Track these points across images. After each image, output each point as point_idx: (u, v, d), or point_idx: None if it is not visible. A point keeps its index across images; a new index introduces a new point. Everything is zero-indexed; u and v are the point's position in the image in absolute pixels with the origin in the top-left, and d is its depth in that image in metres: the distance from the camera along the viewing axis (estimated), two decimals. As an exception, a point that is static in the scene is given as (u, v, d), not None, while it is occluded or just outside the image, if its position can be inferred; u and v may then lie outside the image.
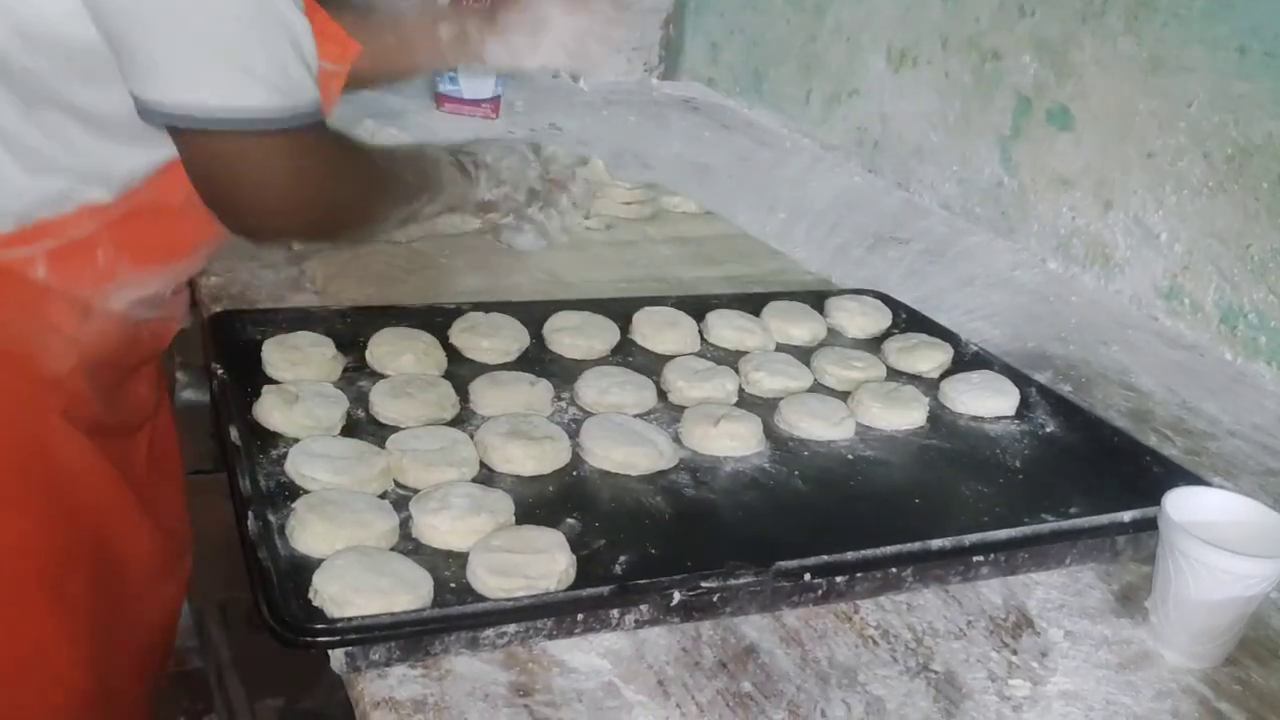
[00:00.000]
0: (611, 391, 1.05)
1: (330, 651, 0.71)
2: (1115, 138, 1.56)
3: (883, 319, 1.31)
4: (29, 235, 0.91)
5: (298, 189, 0.91)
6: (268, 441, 0.93)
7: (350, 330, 1.11)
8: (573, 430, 0.99)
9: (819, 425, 1.06)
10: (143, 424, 1.13)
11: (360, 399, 1.01)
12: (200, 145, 0.87)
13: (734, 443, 1.01)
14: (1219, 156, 1.41)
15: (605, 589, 0.78)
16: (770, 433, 1.05)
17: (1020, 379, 1.18)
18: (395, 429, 0.96)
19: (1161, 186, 1.49)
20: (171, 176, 0.91)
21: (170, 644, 1.27)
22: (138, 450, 1.12)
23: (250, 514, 0.80)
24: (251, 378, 1.01)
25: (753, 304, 1.29)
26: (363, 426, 0.98)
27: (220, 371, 1.00)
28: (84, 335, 0.97)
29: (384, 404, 0.99)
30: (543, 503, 0.90)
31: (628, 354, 1.18)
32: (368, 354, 1.07)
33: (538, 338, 1.16)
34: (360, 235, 1.13)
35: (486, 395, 1.03)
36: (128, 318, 1.01)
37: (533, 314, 1.18)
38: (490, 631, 0.74)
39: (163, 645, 1.25)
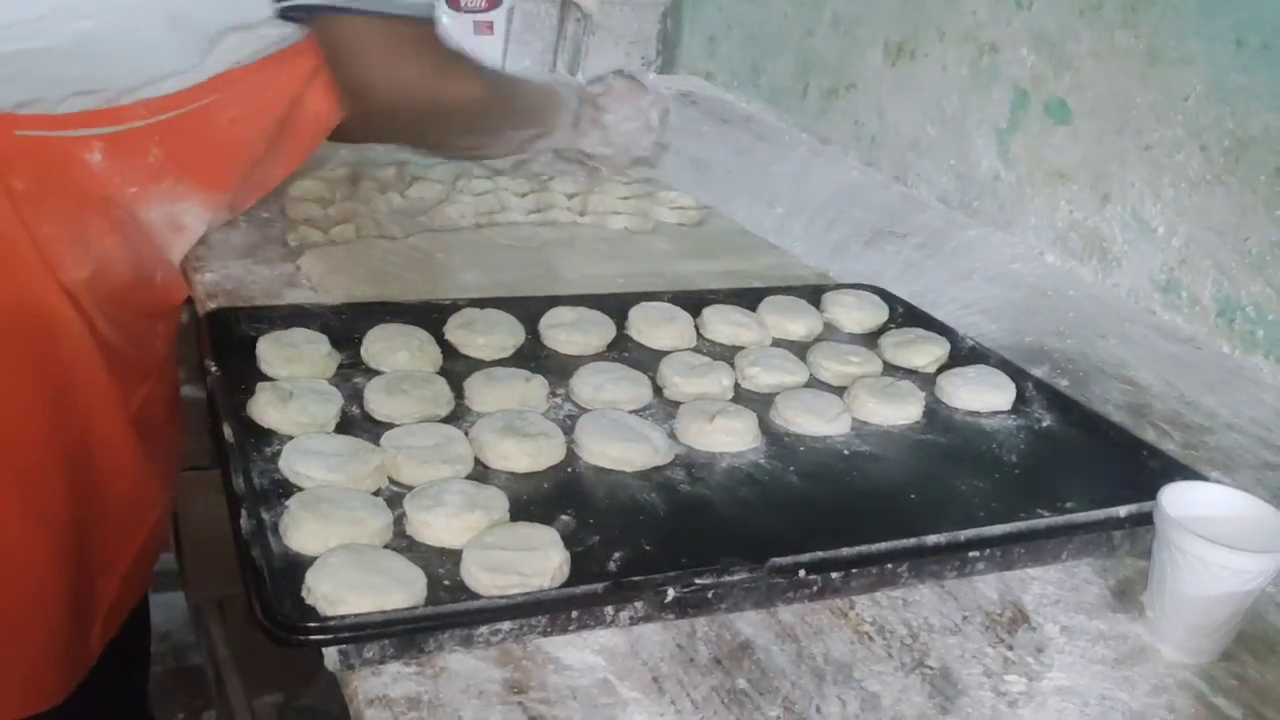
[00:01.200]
0: (607, 387, 1.05)
1: (324, 650, 0.71)
2: (1112, 131, 1.55)
3: (880, 314, 1.31)
4: (89, 119, 0.98)
5: (429, 76, 1.04)
6: (262, 438, 0.93)
7: (345, 327, 1.11)
8: (568, 426, 0.99)
9: (815, 421, 1.05)
10: (149, 375, 1.16)
11: (355, 396, 1.01)
12: (343, 27, 0.99)
13: (730, 438, 1.01)
14: (1216, 149, 1.41)
15: (600, 586, 0.78)
16: (766, 428, 1.05)
17: (1017, 373, 1.18)
18: (390, 426, 0.96)
19: (1159, 180, 1.49)
20: (225, 95, 1.03)
21: (149, 572, 1.28)
22: (137, 393, 1.14)
23: (243, 512, 0.80)
24: (246, 374, 1.01)
25: (749, 299, 1.29)
26: (357, 423, 0.97)
27: (214, 368, 1.00)
28: (105, 246, 1.03)
29: (379, 401, 0.98)
30: (537, 499, 0.90)
31: (623, 350, 1.17)
32: (363, 350, 1.07)
33: (533, 334, 1.16)
34: (467, 146, 1.18)
35: (481, 392, 1.02)
36: (156, 247, 1.07)
37: (528, 310, 1.18)
38: (484, 629, 0.74)
39: (145, 568, 1.25)
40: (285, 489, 0.86)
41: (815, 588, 0.83)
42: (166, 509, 1.26)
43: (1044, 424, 1.13)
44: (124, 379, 1.11)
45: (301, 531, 0.79)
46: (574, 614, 0.77)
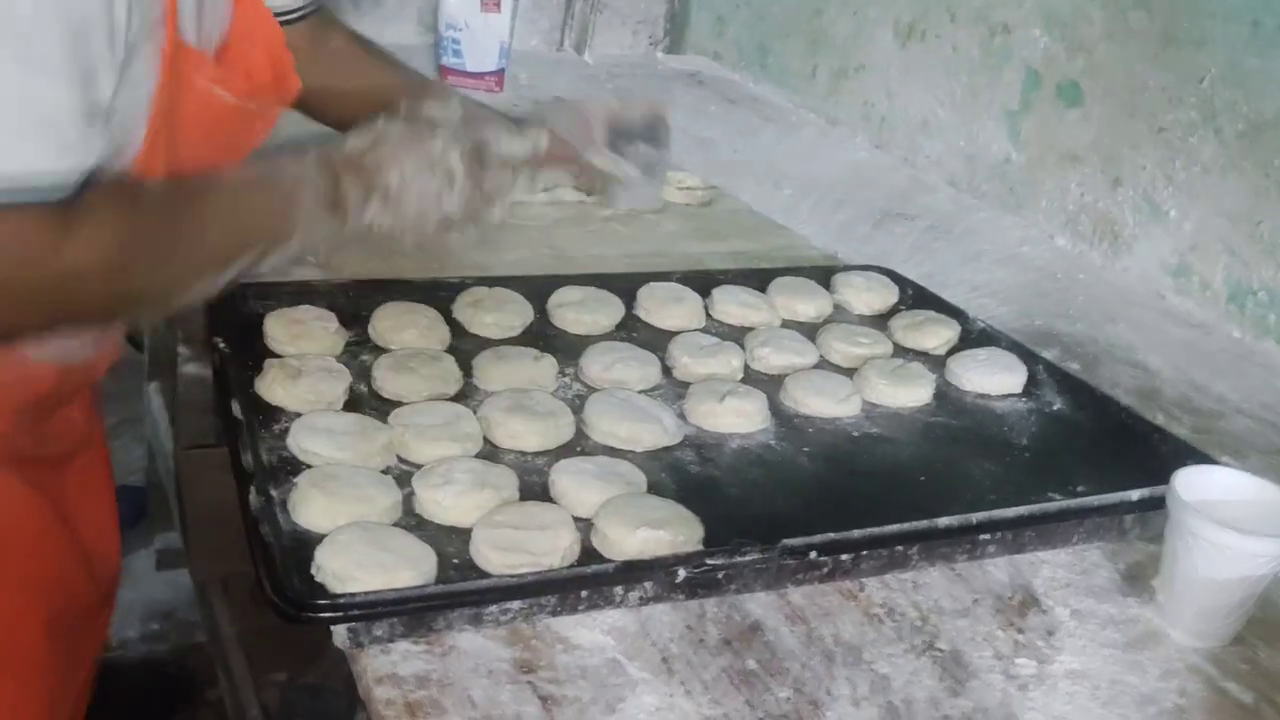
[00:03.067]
0: (616, 367, 1.05)
1: (333, 627, 0.71)
2: (1125, 113, 1.54)
3: (889, 295, 1.30)
4: None
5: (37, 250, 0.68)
6: (269, 416, 0.92)
7: (353, 304, 1.10)
8: (576, 406, 0.98)
9: (825, 402, 1.05)
10: (72, 455, 1.02)
11: (363, 373, 1.00)
12: None
13: (739, 419, 1.00)
14: (1230, 132, 1.40)
15: (610, 566, 0.78)
16: (776, 410, 1.04)
17: (1027, 356, 1.17)
18: (398, 404, 0.95)
19: (1171, 163, 1.48)
20: None
21: (89, 687, 1.13)
22: (67, 482, 1.01)
23: (252, 489, 0.80)
24: (253, 352, 1.00)
25: (758, 280, 1.28)
26: (365, 401, 0.97)
27: (222, 345, 0.99)
28: (6, 378, 0.85)
29: (387, 379, 0.98)
30: (546, 478, 0.89)
31: (632, 330, 1.17)
32: (370, 328, 1.07)
33: (542, 313, 1.16)
34: (119, 320, 0.85)
35: (490, 370, 1.02)
36: (57, 360, 0.88)
37: (537, 289, 1.17)
38: (494, 608, 0.74)
39: (87, 691, 1.12)
40: (293, 466, 0.86)
41: (825, 569, 0.83)
42: (114, 588, 1.13)
43: (1055, 407, 1.12)
44: (49, 489, 0.97)
45: (310, 508, 0.79)
46: (583, 594, 0.76)
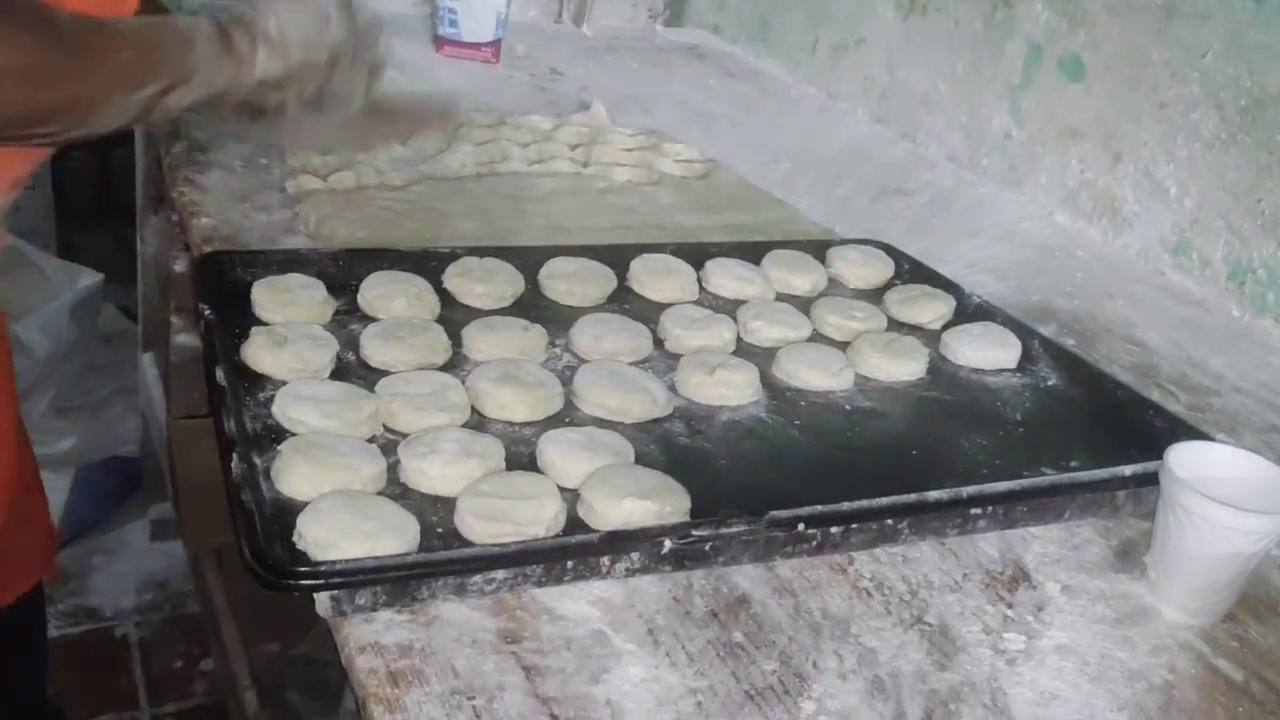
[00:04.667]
0: (606, 338, 1.04)
1: (316, 595, 0.70)
2: (1127, 88, 1.53)
3: (885, 270, 1.29)
4: None
5: None
6: (255, 384, 0.91)
7: (342, 273, 1.09)
8: (566, 377, 0.98)
9: (817, 375, 1.04)
10: None
11: (350, 342, 0.99)
12: None
13: (730, 391, 0.99)
14: (1233, 108, 1.38)
15: (595, 536, 0.77)
16: (767, 382, 1.03)
17: (1023, 331, 1.16)
18: (385, 373, 0.94)
19: (1173, 139, 1.46)
20: None
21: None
22: None
23: (235, 456, 0.79)
24: (240, 319, 0.99)
25: (753, 253, 1.27)
26: (352, 370, 0.96)
27: (208, 312, 0.98)
28: None
29: (374, 348, 0.97)
30: (534, 449, 0.88)
31: (624, 301, 1.16)
32: (359, 297, 1.06)
33: (533, 284, 1.14)
34: (34, 132, 0.79)
35: (479, 341, 1.01)
36: None
37: (528, 260, 1.16)
38: (478, 578, 0.73)
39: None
40: (278, 434, 0.85)
41: (814, 542, 0.82)
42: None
43: (1049, 382, 1.11)
44: None
45: (293, 476, 0.78)
46: (569, 564, 0.76)
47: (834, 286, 1.26)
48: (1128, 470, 0.92)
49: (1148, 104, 1.50)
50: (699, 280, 1.20)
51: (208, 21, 0.85)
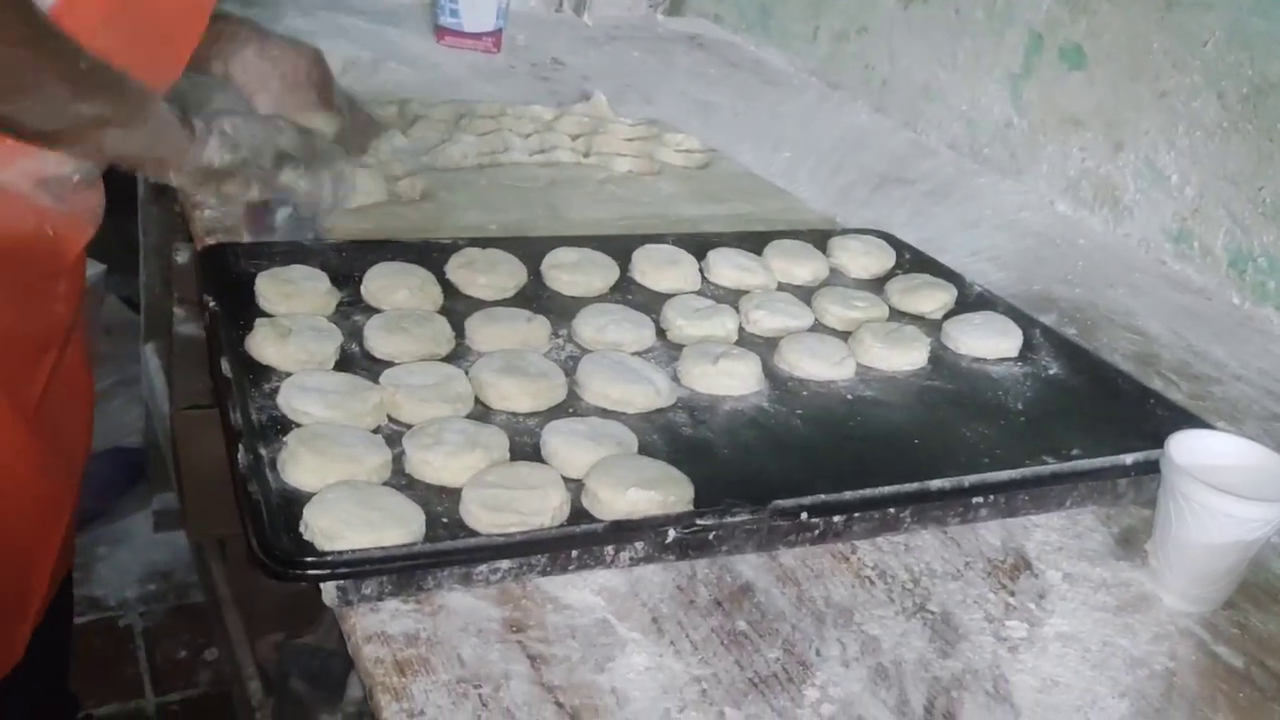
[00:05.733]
0: (609, 329, 1.04)
1: (322, 585, 0.71)
2: (1128, 77, 1.53)
3: (886, 259, 1.30)
4: None
5: None
6: (260, 375, 0.92)
7: (345, 264, 1.09)
8: (569, 367, 0.98)
9: (819, 365, 1.04)
10: (50, 345, 1.04)
11: (354, 334, 0.99)
12: None
13: (733, 381, 1.00)
14: (1234, 96, 1.38)
15: (600, 525, 0.78)
16: (770, 372, 1.03)
17: (1024, 320, 1.17)
18: (389, 364, 0.95)
19: (1174, 127, 1.46)
20: None
21: (45, 597, 1.13)
22: (39, 374, 1.03)
23: (240, 447, 0.79)
24: (244, 311, 0.99)
25: (755, 243, 1.27)
26: (357, 361, 0.96)
27: (212, 304, 0.99)
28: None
29: (378, 339, 0.97)
30: (538, 439, 0.89)
31: (627, 292, 1.16)
32: (363, 289, 1.06)
33: (535, 274, 1.15)
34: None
35: (482, 331, 1.01)
36: (29, 204, 0.93)
37: (531, 250, 1.16)
38: (484, 567, 0.74)
39: (41, 598, 1.12)
40: (283, 425, 0.85)
41: (817, 531, 0.83)
42: (73, 509, 1.15)
43: (1051, 371, 1.12)
44: (14, 366, 0.99)
45: (299, 467, 0.79)
46: (574, 554, 0.76)
47: (835, 276, 1.27)
48: (1129, 459, 0.93)
49: (1149, 92, 1.50)
50: (701, 270, 1.21)
51: (177, 108, 0.93)
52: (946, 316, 1.18)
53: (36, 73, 0.81)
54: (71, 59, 0.83)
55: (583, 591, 0.76)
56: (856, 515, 0.84)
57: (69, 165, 0.96)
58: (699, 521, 0.79)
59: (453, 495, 0.80)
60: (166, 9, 0.97)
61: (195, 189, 0.99)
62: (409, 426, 0.86)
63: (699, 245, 1.24)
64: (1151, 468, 0.88)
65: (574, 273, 1.14)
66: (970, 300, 1.22)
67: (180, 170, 0.94)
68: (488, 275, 1.11)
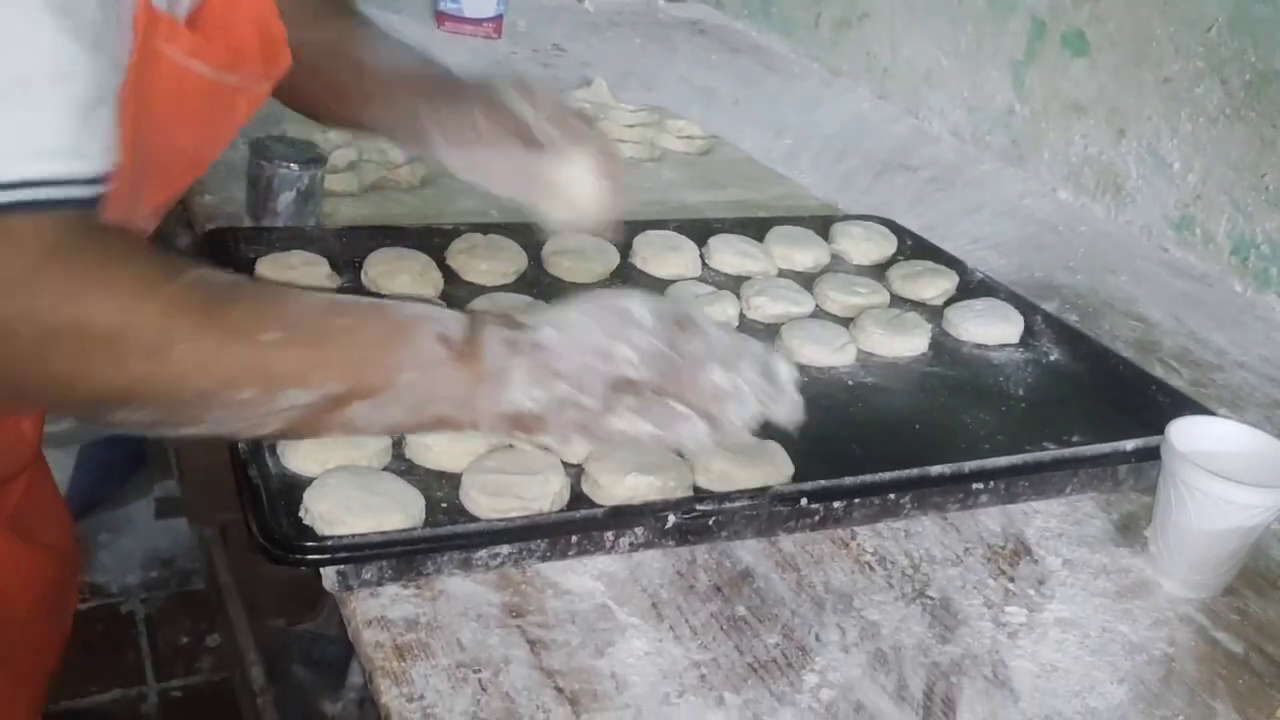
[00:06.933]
0: (610, 315, 1.04)
1: (322, 570, 0.71)
2: (1131, 63, 1.52)
3: (888, 246, 1.29)
4: None
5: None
6: (260, 360, 0.91)
7: (346, 250, 1.09)
8: (570, 353, 0.98)
9: (820, 351, 1.04)
10: (20, 472, 0.95)
11: (355, 319, 0.99)
12: None
13: (733, 368, 0.99)
14: (1237, 83, 1.38)
15: (599, 511, 0.78)
16: (770, 358, 1.03)
17: (1026, 307, 1.16)
18: (390, 350, 0.95)
19: (1177, 114, 1.46)
20: None
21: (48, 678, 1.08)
22: (12, 493, 0.95)
23: (241, 432, 0.79)
24: (244, 297, 0.99)
25: (756, 229, 1.27)
26: (357, 347, 0.96)
27: (212, 290, 0.98)
28: None
29: (379, 324, 0.97)
30: (538, 425, 0.88)
31: (627, 278, 1.16)
32: (363, 274, 1.06)
33: (536, 260, 1.14)
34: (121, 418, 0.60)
35: (483, 317, 1.01)
36: None
37: (532, 236, 1.16)
38: (483, 552, 0.74)
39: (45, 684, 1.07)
40: (283, 411, 0.85)
41: (817, 517, 0.83)
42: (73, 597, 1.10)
43: (1051, 358, 1.11)
44: None
45: (299, 452, 0.79)
46: (573, 539, 0.76)
47: (837, 262, 1.26)
48: (1129, 445, 0.93)
49: (1151, 79, 1.49)
50: (702, 256, 1.20)
51: (455, 315, 0.64)
52: (948, 303, 1.18)
53: (221, 372, 0.58)
54: (284, 337, 0.59)
55: (582, 577, 0.76)
56: (856, 501, 0.84)
57: None
58: (698, 507, 0.79)
59: (453, 480, 0.80)
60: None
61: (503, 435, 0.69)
62: (409, 412, 0.86)
63: (700, 231, 1.24)
64: (1152, 454, 0.88)
65: (575, 259, 1.14)
66: (972, 287, 1.21)
67: (478, 428, 0.64)
68: (488, 261, 1.10)
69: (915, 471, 0.86)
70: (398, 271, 1.05)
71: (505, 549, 0.74)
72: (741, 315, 1.11)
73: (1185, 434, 0.84)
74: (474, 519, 0.76)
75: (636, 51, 2.09)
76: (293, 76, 0.83)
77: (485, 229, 1.16)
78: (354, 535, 0.71)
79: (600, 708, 0.66)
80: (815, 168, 1.60)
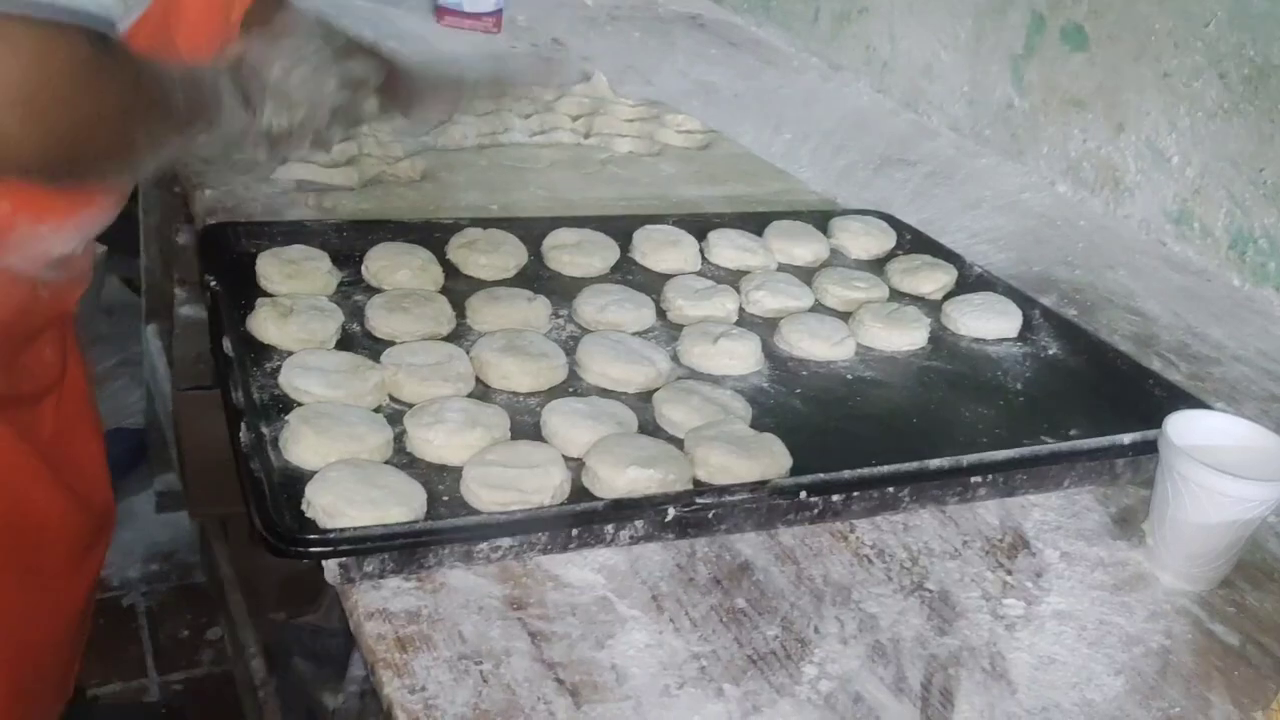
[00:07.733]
0: (610, 309, 1.04)
1: (324, 563, 0.71)
2: (1130, 58, 1.52)
3: (887, 240, 1.30)
4: None
5: (35, 96, 0.68)
6: (261, 354, 0.92)
7: (346, 244, 1.10)
8: (569, 347, 0.98)
9: (819, 345, 1.05)
10: (47, 392, 1.05)
11: (356, 313, 1.00)
12: None
13: (732, 361, 1.00)
14: (1236, 77, 1.38)
15: (600, 504, 0.78)
16: (770, 352, 1.04)
17: (1024, 301, 1.17)
18: (390, 344, 0.95)
19: (1175, 108, 1.46)
20: None
21: (85, 626, 1.17)
22: (44, 419, 1.04)
23: (243, 425, 0.80)
24: (246, 291, 1.00)
25: (755, 224, 1.27)
26: (358, 341, 0.97)
27: (214, 284, 0.99)
28: None
29: (379, 318, 0.98)
30: (538, 418, 0.89)
31: (627, 272, 1.16)
32: (364, 268, 1.06)
33: (536, 255, 1.15)
34: (110, 170, 0.83)
35: (483, 311, 1.01)
36: (24, 279, 0.92)
37: (532, 231, 1.17)
38: (484, 545, 0.74)
39: (80, 627, 1.16)
40: (285, 404, 0.86)
41: (816, 510, 0.83)
42: (108, 536, 1.17)
43: (1050, 352, 1.12)
44: (23, 428, 1.00)
45: (301, 446, 0.79)
46: (574, 532, 0.77)
47: (836, 257, 1.27)
48: (1127, 439, 0.93)
49: (1150, 73, 1.49)
50: (701, 251, 1.21)
51: (226, 74, 0.87)
52: (946, 297, 1.19)
53: (147, 134, 0.80)
54: (163, 106, 0.80)
55: (583, 569, 0.76)
56: (855, 494, 0.84)
57: (76, 241, 0.96)
58: (698, 500, 0.79)
59: (454, 474, 0.80)
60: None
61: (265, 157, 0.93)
62: (410, 405, 0.87)
63: (699, 226, 1.24)
64: (1149, 448, 0.88)
65: (575, 253, 1.15)
66: (970, 281, 1.22)
67: (245, 143, 0.90)
68: (489, 255, 1.11)
69: (914, 465, 0.86)
70: (398, 266, 1.05)
71: (506, 542, 0.75)
72: (741, 310, 1.11)
73: (1183, 428, 0.85)
74: (475, 512, 0.77)
75: (636, 46, 2.09)
76: None
77: (485, 224, 1.16)
78: (356, 528, 0.71)
79: (601, 699, 0.66)
80: (814, 162, 1.60)
